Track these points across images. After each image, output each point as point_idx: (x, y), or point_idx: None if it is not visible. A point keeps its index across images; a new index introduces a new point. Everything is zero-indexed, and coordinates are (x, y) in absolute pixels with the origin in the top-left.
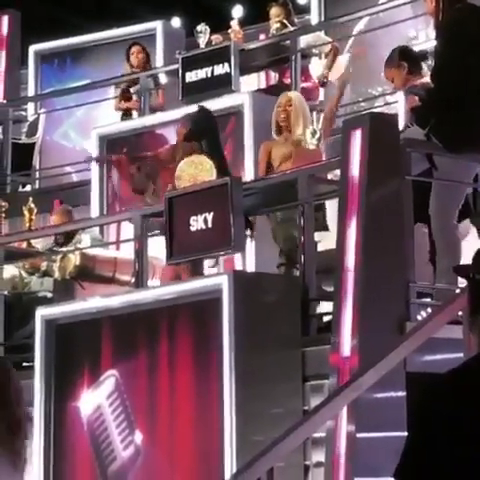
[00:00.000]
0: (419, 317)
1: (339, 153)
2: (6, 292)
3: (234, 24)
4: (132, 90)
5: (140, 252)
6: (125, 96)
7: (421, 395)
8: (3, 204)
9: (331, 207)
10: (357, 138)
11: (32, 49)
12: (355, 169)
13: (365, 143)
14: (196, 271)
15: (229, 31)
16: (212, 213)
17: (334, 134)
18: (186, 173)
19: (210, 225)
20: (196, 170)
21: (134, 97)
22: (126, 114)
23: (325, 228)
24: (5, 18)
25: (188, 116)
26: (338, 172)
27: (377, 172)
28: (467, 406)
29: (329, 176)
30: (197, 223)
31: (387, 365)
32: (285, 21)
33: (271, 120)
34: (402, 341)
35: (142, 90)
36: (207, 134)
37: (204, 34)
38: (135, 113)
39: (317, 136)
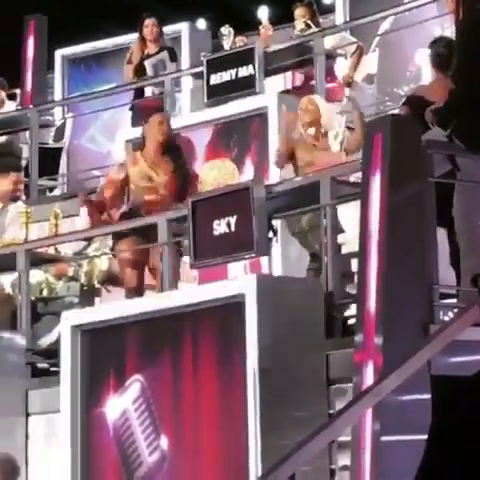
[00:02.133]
0: (444, 319)
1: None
2: (33, 297)
3: (265, 21)
4: (146, 64)
5: (165, 256)
6: (137, 71)
7: (448, 397)
8: (29, 210)
9: (345, 209)
10: (378, 140)
11: (59, 53)
12: (377, 171)
13: (386, 145)
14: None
15: (260, 27)
16: (235, 216)
17: None
18: (209, 177)
19: (233, 229)
20: (219, 173)
21: (148, 70)
22: (138, 90)
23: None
24: (32, 23)
25: None
26: (360, 174)
27: (399, 174)
28: None
29: (351, 179)
30: (220, 227)
31: (411, 368)
32: (310, 22)
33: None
34: (426, 343)
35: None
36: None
37: (228, 36)
38: (148, 90)
39: (340, 139)
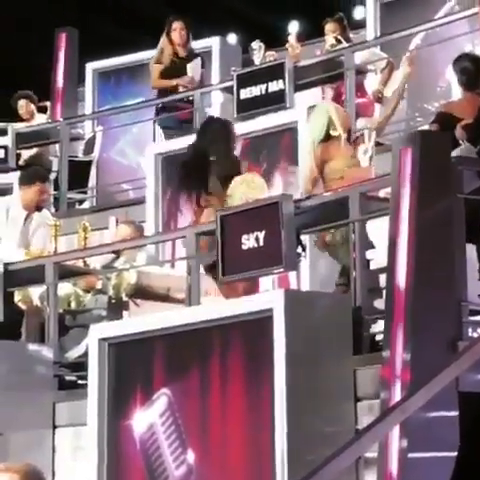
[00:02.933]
0: (473, 335)
1: None
2: (61, 310)
3: (291, 39)
4: (188, 67)
5: (193, 270)
6: (167, 73)
7: (476, 414)
8: (58, 223)
9: (373, 224)
10: (408, 156)
11: (89, 67)
12: (406, 187)
13: (416, 161)
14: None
15: (287, 45)
16: (263, 231)
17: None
18: (238, 191)
19: (262, 243)
20: (248, 188)
21: (189, 72)
22: (166, 92)
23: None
24: (63, 36)
25: None
26: (390, 190)
27: (428, 190)
28: None
29: (381, 194)
30: (249, 241)
31: (438, 384)
32: (340, 37)
33: None
34: (454, 360)
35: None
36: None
37: (259, 51)
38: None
39: (369, 154)
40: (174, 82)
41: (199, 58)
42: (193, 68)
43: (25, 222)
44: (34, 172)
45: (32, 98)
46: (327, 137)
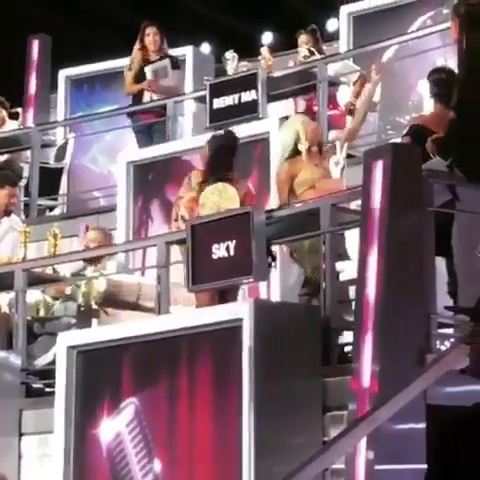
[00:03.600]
0: (441, 348)
1: None
2: (29, 317)
3: (264, 51)
4: (146, 70)
5: (162, 279)
6: (137, 78)
7: (443, 427)
8: (27, 229)
9: (351, 236)
10: (379, 168)
11: (62, 74)
12: (377, 199)
13: (387, 173)
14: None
15: (259, 57)
16: (234, 241)
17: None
18: (210, 200)
19: (232, 253)
20: (220, 198)
21: (148, 75)
22: (137, 97)
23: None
24: (36, 42)
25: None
26: (360, 202)
27: (399, 203)
28: None
29: (352, 206)
30: (219, 251)
31: (406, 397)
32: (313, 49)
33: None
34: (422, 373)
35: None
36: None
37: (232, 61)
38: (147, 95)
39: (340, 166)
40: (139, 87)
41: (167, 60)
42: (152, 70)
43: None
44: (4, 176)
45: (3, 104)
46: (295, 152)
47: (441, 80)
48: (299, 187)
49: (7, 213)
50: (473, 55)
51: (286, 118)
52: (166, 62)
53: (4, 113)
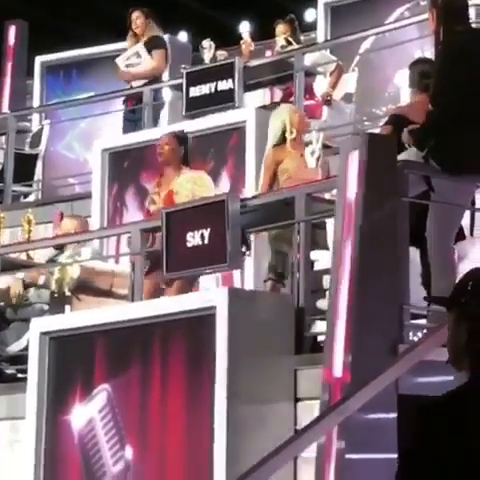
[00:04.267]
0: (414, 339)
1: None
2: (2, 303)
3: (246, 36)
4: (117, 61)
5: (136, 266)
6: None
7: (416, 417)
8: (1, 215)
9: (331, 226)
10: (354, 159)
11: (38, 60)
12: (352, 189)
13: (362, 163)
14: (187, 288)
15: (241, 42)
16: (209, 229)
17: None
18: (184, 188)
19: (207, 241)
20: (195, 186)
21: (120, 65)
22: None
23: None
24: (12, 28)
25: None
26: (335, 192)
27: (374, 193)
28: (462, 429)
29: (326, 196)
30: (194, 239)
31: (378, 387)
32: (290, 38)
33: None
34: (394, 363)
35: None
36: None
37: (209, 49)
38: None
39: (316, 156)
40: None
41: (140, 44)
42: (126, 59)
43: None
44: None
45: None
46: (283, 140)
47: (424, 71)
48: (281, 174)
49: None
50: (449, 47)
51: (263, 107)
52: (138, 47)
53: None
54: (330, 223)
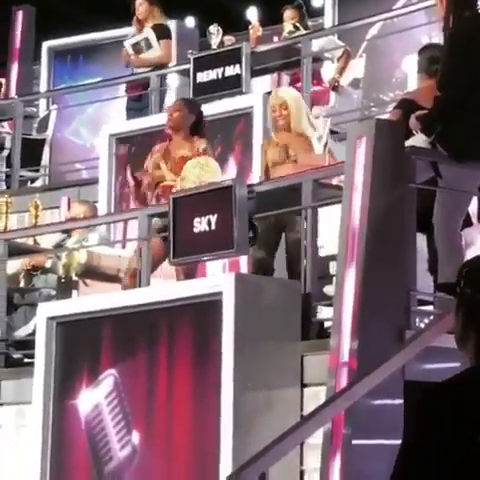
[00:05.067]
0: (420, 325)
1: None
2: (10, 288)
3: (255, 21)
4: (125, 44)
5: (143, 251)
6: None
7: (418, 403)
8: (9, 200)
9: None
10: (362, 144)
11: (46, 45)
12: (359, 175)
13: (370, 149)
14: (191, 274)
15: (250, 27)
16: (216, 215)
17: None
18: (191, 174)
19: (214, 227)
20: (201, 171)
21: (129, 51)
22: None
23: None
24: (20, 13)
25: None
26: (343, 177)
27: (381, 179)
28: (463, 415)
29: (334, 181)
30: (201, 224)
31: (384, 373)
32: (298, 24)
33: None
34: (400, 349)
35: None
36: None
37: (216, 35)
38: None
39: (323, 141)
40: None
41: (149, 29)
42: (131, 44)
43: None
44: None
45: None
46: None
47: (433, 56)
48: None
49: None
50: (458, 33)
51: (270, 93)
52: (148, 33)
53: None
54: (323, 210)
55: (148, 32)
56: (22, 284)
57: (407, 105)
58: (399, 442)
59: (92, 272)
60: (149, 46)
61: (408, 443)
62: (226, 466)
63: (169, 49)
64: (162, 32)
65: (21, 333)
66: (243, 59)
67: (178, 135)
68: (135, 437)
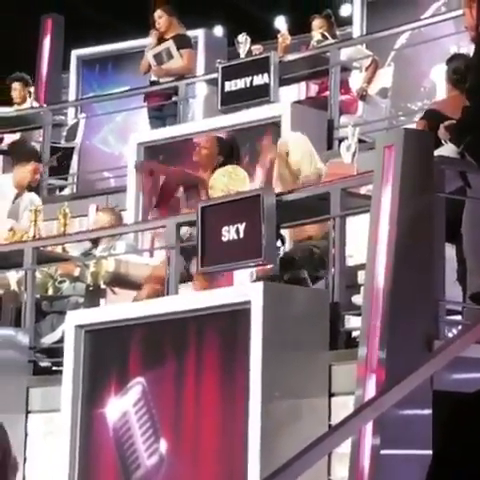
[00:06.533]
0: (449, 335)
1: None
2: (38, 296)
3: (284, 30)
4: (147, 55)
5: (172, 260)
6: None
7: (450, 413)
8: (39, 208)
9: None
10: (391, 154)
11: (74, 54)
12: (388, 185)
13: (399, 159)
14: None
15: (278, 35)
16: (244, 224)
17: None
18: (220, 182)
19: (242, 236)
20: (230, 180)
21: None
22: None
23: None
24: (48, 22)
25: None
26: (371, 187)
27: (410, 189)
28: None
29: (362, 191)
30: (229, 233)
31: (413, 383)
32: (326, 33)
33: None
34: (429, 359)
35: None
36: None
37: (244, 44)
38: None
39: (352, 151)
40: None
41: (170, 41)
42: (153, 55)
43: (15, 201)
44: (31, 151)
45: (27, 82)
46: None
47: (456, 67)
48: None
49: (30, 189)
50: None
51: (298, 102)
52: (169, 44)
53: (27, 91)
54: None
55: (169, 43)
56: (50, 292)
57: (432, 115)
58: (427, 452)
59: (120, 280)
60: (170, 56)
61: (440, 454)
62: (254, 476)
63: (190, 59)
64: (183, 42)
65: (47, 341)
66: (271, 68)
67: (204, 171)
68: (163, 445)
